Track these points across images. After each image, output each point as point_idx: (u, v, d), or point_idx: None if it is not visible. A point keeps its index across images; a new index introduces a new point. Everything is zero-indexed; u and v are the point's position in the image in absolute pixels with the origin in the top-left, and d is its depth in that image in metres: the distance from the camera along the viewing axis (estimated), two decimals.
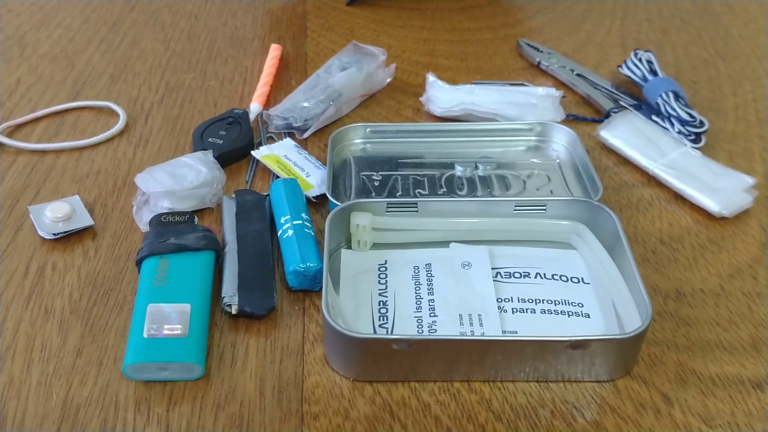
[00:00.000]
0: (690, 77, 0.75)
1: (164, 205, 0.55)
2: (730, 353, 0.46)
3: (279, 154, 0.61)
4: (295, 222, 0.52)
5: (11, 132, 0.66)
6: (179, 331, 0.44)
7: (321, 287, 0.49)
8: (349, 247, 0.52)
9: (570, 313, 0.47)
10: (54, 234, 0.54)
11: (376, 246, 0.52)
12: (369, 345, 0.43)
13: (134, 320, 0.45)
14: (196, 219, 0.52)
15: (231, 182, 0.60)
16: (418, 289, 0.49)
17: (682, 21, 0.86)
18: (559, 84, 0.73)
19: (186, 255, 0.49)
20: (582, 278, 0.49)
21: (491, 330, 0.46)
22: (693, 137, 0.63)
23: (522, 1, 0.91)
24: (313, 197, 0.57)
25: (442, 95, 0.67)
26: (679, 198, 0.58)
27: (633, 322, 0.45)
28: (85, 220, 0.55)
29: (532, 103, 0.66)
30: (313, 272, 0.49)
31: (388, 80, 0.72)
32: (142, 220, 0.54)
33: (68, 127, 0.67)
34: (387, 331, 0.46)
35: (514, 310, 0.47)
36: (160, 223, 0.51)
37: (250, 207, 0.55)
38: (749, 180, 0.58)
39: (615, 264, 0.49)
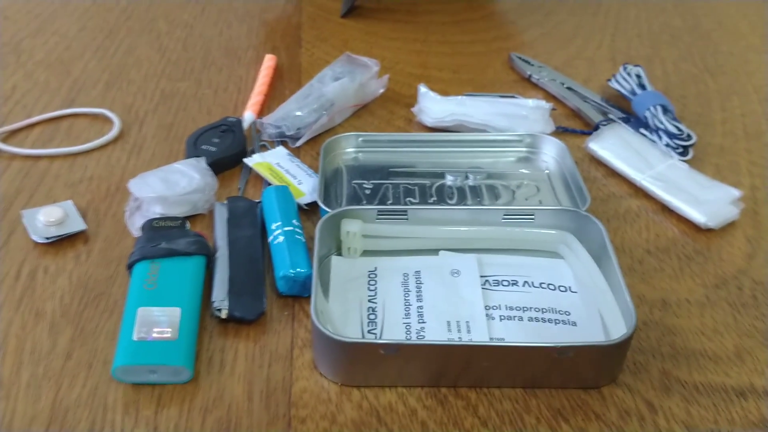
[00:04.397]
0: (679, 92, 0.76)
1: (156, 211, 0.55)
2: (714, 362, 0.47)
3: (271, 162, 0.62)
4: (285, 228, 0.52)
5: (6, 137, 0.66)
6: (169, 335, 0.44)
7: (310, 293, 0.49)
8: (340, 254, 0.53)
9: (557, 321, 0.47)
10: (46, 238, 0.54)
11: (366, 253, 0.53)
12: (357, 349, 0.43)
13: (124, 323, 0.45)
14: (188, 224, 0.53)
15: (223, 189, 0.60)
16: (407, 295, 0.49)
17: (672, 37, 0.87)
18: (549, 97, 0.74)
19: (177, 259, 0.49)
20: (569, 287, 0.50)
21: (479, 337, 0.46)
22: (680, 150, 0.63)
23: (514, 15, 0.92)
24: (305, 205, 0.58)
25: (433, 106, 0.68)
26: (666, 209, 0.59)
27: (619, 330, 0.45)
28: (77, 224, 0.55)
29: (522, 115, 0.66)
30: (302, 278, 0.49)
31: (381, 91, 0.73)
32: (135, 225, 0.55)
33: (62, 133, 0.67)
34: (375, 337, 0.46)
35: (502, 317, 0.48)
36: (152, 227, 0.52)
37: (242, 213, 0.55)
38: (735, 192, 0.58)
39: (602, 273, 0.49)
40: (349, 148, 0.64)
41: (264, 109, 0.71)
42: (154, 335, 0.44)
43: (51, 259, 0.53)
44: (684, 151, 0.63)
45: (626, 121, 0.68)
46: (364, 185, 0.60)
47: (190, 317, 0.46)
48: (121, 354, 0.43)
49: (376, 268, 0.51)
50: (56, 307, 0.49)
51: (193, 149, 0.63)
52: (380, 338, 0.46)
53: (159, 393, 0.44)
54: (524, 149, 0.64)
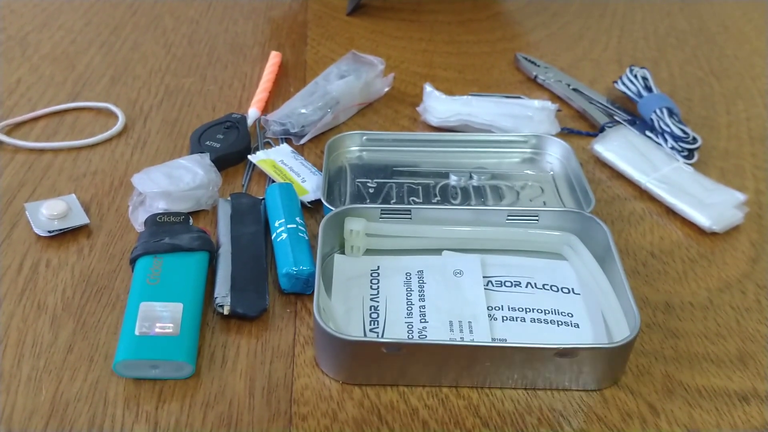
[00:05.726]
0: (684, 95, 0.75)
1: (160, 206, 0.55)
2: (717, 366, 0.46)
3: (275, 159, 0.62)
4: (289, 225, 0.52)
5: (10, 130, 0.66)
6: (171, 330, 0.44)
7: (313, 291, 0.49)
8: (343, 252, 0.53)
9: (559, 323, 0.47)
10: (49, 231, 0.54)
11: (369, 252, 0.53)
12: (359, 348, 0.43)
13: (126, 318, 0.45)
14: (191, 220, 0.53)
15: (227, 185, 0.60)
16: (409, 295, 0.49)
17: (678, 40, 0.87)
18: (554, 98, 0.74)
19: (180, 255, 0.49)
20: (572, 288, 0.50)
21: (481, 337, 0.46)
22: (686, 153, 0.63)
23: (520, 16, 0.92)
24: (308, 202, 0.58)
25: (439, 106, 0.68)
26: (670, 212, 0.59)
27: (622, 332, 0.45)
28: (80, 218, 0.55)
29: (527, 116, 0.66)
30: (305, 275, 0.49)
31: (386, 89, 0.73)
32: (138, 220, 0.55)
33: (67, 127, 0.67)
34: (377, 336, 0.46)
35: (504, 318, 0.47)
36: (156, 223, 0.52)
37: (245, 210, 0.55)
38: (740, 196, 0.58)
39: (605, 275, 0.49)
40: (354, 147, 0.64)
41: (268, 106, 0.71)
42: (156, 330, 0.44)
43: (53, 253, 0.53)
44: (689, 154, 0.63)
45: (632, 123, 0.68)
46: (368, 184, 0.60)
47: (192, 313, 0.46)
48: (123, 348, 0.43)
49: (378, 267, 0.51)
50: (58, 301, 0.49)
51: (197, 145, 0.63)
52: (382, 337, 0.46)
53: (160, 388, 0.44)
54: (529, 150, 0.64)
